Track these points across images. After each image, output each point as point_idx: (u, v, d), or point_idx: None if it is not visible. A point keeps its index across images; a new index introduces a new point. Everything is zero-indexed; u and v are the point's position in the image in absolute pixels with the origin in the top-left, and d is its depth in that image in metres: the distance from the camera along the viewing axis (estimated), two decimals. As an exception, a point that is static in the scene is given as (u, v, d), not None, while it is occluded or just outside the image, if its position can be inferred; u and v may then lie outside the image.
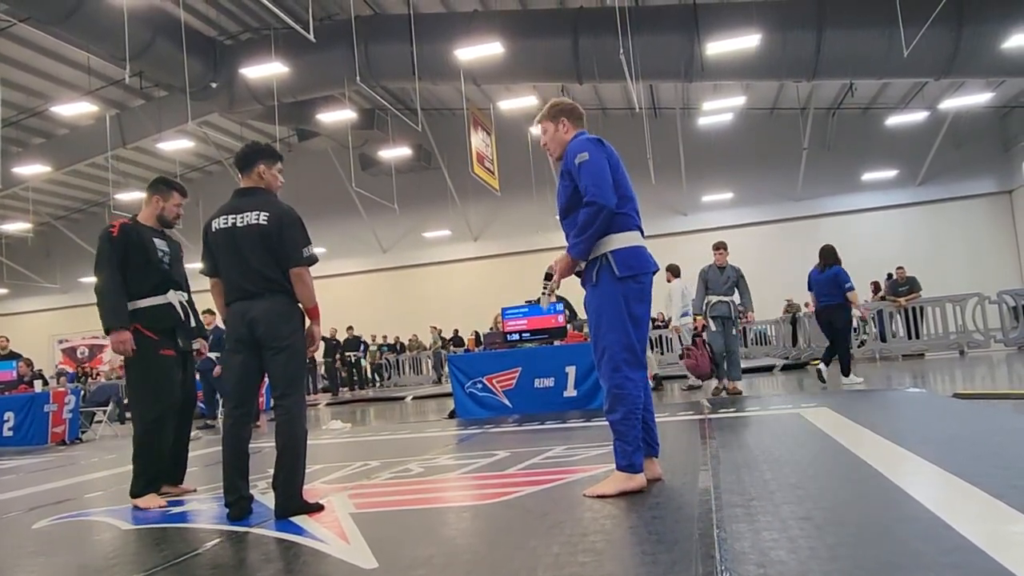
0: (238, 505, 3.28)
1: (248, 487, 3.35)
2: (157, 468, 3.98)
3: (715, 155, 22.25)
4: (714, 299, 8.10)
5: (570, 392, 7.68)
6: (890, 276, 14.54)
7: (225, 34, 17.97)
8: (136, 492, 3.92)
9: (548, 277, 3.43)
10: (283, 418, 3.30)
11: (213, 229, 3.41)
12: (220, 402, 10.14)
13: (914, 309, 12.77)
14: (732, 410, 6.05)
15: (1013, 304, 12.55)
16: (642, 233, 3.26)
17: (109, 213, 20.47)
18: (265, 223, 3.32)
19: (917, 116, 20.11)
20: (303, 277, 3.38)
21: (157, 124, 18.88)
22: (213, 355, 9.75)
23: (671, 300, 10.03)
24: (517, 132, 21.12)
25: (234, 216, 3.37)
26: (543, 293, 3.70)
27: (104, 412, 11.90)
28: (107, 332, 3.94)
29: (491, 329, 11.22)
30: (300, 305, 3.43)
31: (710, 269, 8.21)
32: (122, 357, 4.08)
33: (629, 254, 3.13)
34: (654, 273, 3.23)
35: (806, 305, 16.96)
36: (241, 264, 3.33)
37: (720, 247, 8.27)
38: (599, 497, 2.99)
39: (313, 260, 3.43)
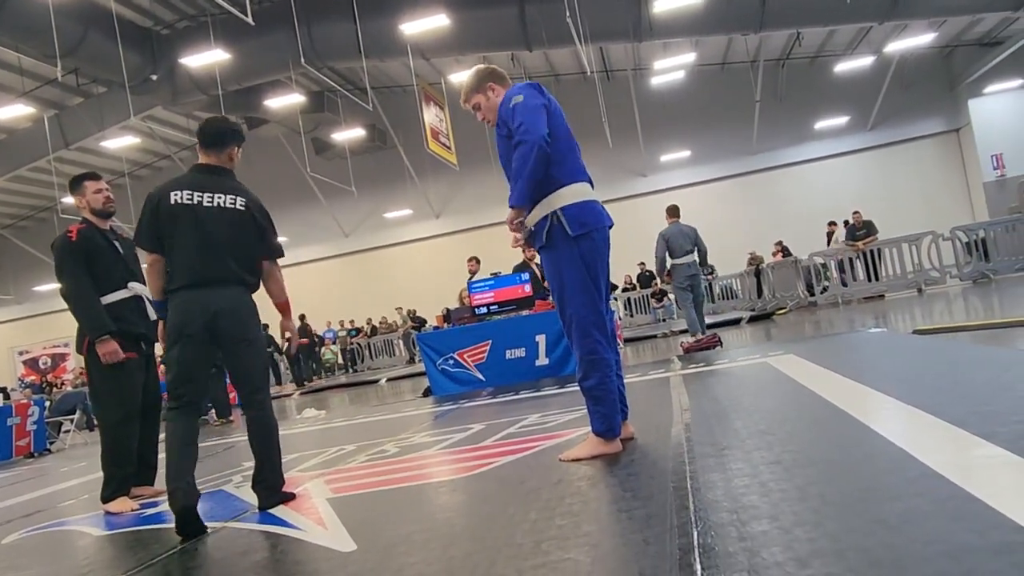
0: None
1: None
2: (126, 472, 3.91)
3: (670, 114, 22.31)
4: None
5: (542, 360, 7.71)
6: (847, 222, 14.80)
7: (161, 23, 17.38)
8: (106, 497, 3.85)
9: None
10: (260, 412, 3.19)
11: (172, 202, 3.11)
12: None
13: (872, 252, 13.03)
14: (702, 364, 6.14)
15: (966, 240, 12.89)
16: (591, 184, 3.09)
17: (58, 218, 19.88)
18: (243, 210, 3.17)
19: (864, 61, 20.33)
20: (276, 271, 3.30)
21: (99, 122, 18.25)
22: None
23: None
24: (470, 105, 20.89)
25: (200, 193, 3.13)
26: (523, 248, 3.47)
27: (71, 421, 11.66)
28: (92, 342, 3.86)
29: (459, 304, 11.17)
30: (272, 298, 3.36)
31: None
32: (82, 362, 4.00)
33: (580, 210, 2.96)
34: (609, 228, 3.09)
35: (773, 255, 17.25)
36: (205, 247, 3.08)
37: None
38: (575, 460, 3.01)
39: (281, 252, 3.39)
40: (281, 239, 3.54)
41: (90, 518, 3.80)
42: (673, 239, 8.33)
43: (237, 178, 3.36)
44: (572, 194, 2.97)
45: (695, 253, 8.33)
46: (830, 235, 16.01)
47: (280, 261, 3.45)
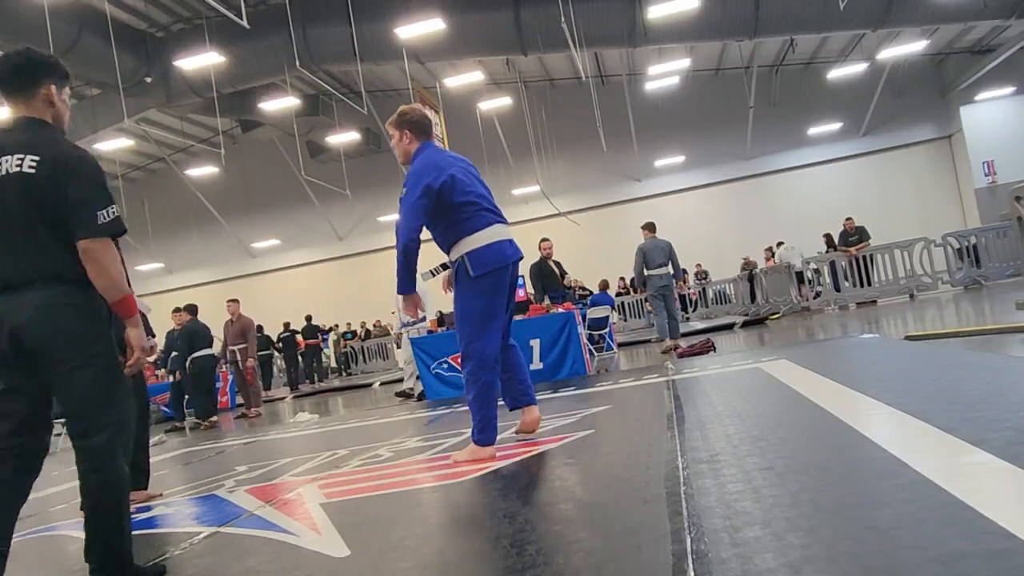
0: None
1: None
2: (118, 476, 3.86)
3: (664, 119, 22.38)
4: None
5: (536, 365, 7.71)
6: (843, 230, 14.85)
7: (156, 26, 17.37)
8: (98, 502, 3.82)
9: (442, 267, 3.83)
10: (92, 463, 2.22)
11: None
12: (185, 404, 9.96)
13: (864, 257, 13.09)
14: (695, 369, 6.15)
15: (957, 246, 12.97)
16: (505, 222, 3.55)
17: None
18: (32, 171, 2.15)
19: (857, 68, 20.47)
20: (96, 254, 2.18)
21: (92, 124, 18.20)
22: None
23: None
24: (465, 109, 20.90)
25: None
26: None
27: (62, 424, 11.57)
28: None
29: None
30: (103, 294, 2.25)
31: None
32: None
33: (483, 253, 3.45)
34: (517, 261, 3.57)
35: (767, 260, 17.30)
36: None
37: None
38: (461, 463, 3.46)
39: (115, 228, 2.23)
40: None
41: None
42: (649, 252, 9.18)
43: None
44: (475, 240, 3.47)
45: (669, 265, 9.11)
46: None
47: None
